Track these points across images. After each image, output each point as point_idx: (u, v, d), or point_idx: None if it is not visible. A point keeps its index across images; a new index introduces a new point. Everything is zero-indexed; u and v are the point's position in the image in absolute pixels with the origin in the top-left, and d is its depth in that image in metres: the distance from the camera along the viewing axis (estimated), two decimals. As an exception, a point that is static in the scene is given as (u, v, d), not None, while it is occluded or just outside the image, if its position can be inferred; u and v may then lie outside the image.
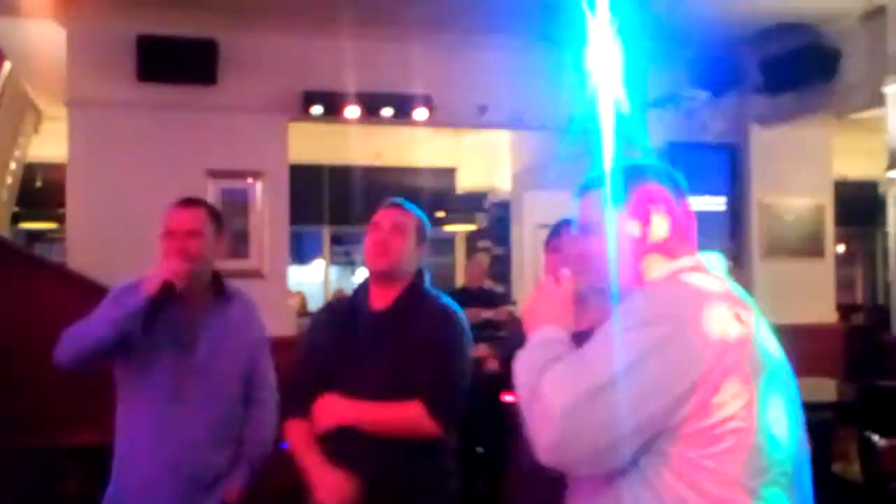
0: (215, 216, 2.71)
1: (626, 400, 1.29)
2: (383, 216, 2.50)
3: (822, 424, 4.31)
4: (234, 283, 2.82)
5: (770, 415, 1.33)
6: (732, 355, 1.30)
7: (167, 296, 2.45)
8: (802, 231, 6.84)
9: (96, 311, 2.55)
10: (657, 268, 1.50)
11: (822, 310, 6.85)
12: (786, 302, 6.45)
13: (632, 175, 1.57)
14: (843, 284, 9.42)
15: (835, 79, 5.85)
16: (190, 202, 2.73)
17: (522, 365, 1.44)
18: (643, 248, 1.52)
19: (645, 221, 1.53)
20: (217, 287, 2.71)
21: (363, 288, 2.57)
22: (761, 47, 6.20)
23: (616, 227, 1.54)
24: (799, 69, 5.88)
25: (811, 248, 6.85)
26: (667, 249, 1.52)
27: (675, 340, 1.30)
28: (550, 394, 1.33)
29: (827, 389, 5.26)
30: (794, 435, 1.39)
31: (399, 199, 2.61)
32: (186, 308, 2.59)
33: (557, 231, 2.58)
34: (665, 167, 1.61)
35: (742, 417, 1.30)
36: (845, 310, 8.13)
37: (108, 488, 2.63)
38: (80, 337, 2.49)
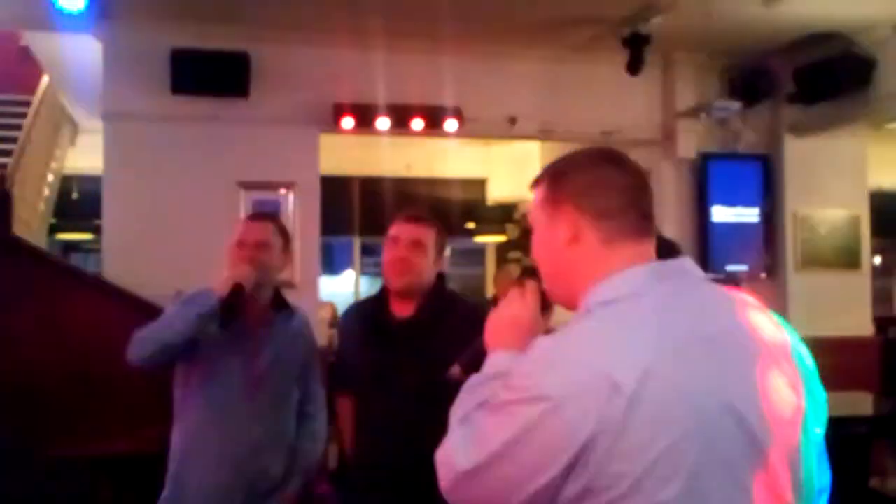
0: (283, 231, 2.80)
1: (504, 482, 1.22)
2: (401, 231, 2.50)
3: (858, 439, 4.25)
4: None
5: (675, 487, 1.14)
6: (611, 438, 1.14)
7: (237, 298, 2.51)
8: (838, 242, 6.74)
9: (168, 313, 2.61)
10: (586, 283, 1.32)
11: (858, 322, 6.74)
12: (821, 315, 6.37)
13: (564, 169, 1.42)
14: (880, 297, 9.26)
15: (870, 88, 5.77)
16: (261, 216, 2.93)
17: (463, 395, 1.39)
18: (567, 252, 1.36)
19: (568, 226, 1.36)
20: (279, 300, 2.77)
21: (381, 298, 2.58)
22: (795, 56, 6.14)
23: (543, 228, 1.41)
24: (833, 78, 5.81)
25: (847, 259, 6.75)
26: (593, 256, 1.34)
27: (548, 418, 1.17)
28: (443, 462, 1.30)
29: (863, 403, 5.17)
30: None
31: (415, 211, 2.61)
32: (251, 318, 2.64)
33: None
34: (612, 161, 1.41)
35: (637, 495, 1.14)
36: (882, 322, 7.98)
37: (164, 494, 2.66)
38: (154, 336, 2.54)
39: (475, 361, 1.49)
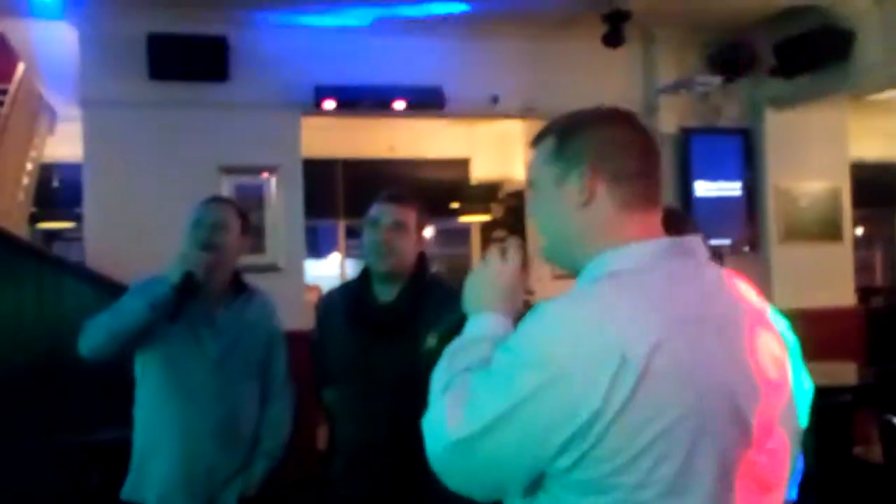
0: (241, 214, 2.78)
1: (497, 453, 1.17)
2: (382, 212, 2.48)
3: (842, 408, 4.30)
4: (252, 279, 2.86)
5: (670, 466, 1.12)
6: (616, 410, 1.11)
7: (189, 286, 2.49)
8: (819, 214, 6.79)
9: (119, 303, 2.58)
10: (595, 247, 1.27)
11: (841, 293, 6.80)
12: (804, 286, 6.43)
13: (577, 126, 1.33)
14: (863, 267, 9.35)
15: (849, 60, 5.79)
16: (218, 198, 2.91)
17: (445, 361, 1.32)
18: (578, 214, 1.29)
19: (585, 186, 1.28)
20: (236, 283, 2.75)
21: (363, 281, 2.57)
22: (774, 30, 6.15)
23: (550, 186, 1.32)
24: (813, 51, 5.83)
25: (829, 231, 6.80)
26: (607, 221, 1.28)
27: (550, 388, 1.13)
28: (431, 430, 1.24)
29: (847, 373, 5.23)
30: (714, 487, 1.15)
31: (395, 191, 2.59)
32: (206, 303, 2.62)
33: None
34: (626, 122, 1.33)
35: (631, 471, 1.12)
36: (865, 293, 8.08)
37: (127, 480, 2.66)
38: (104, 327, 2.53)
39: (452, 331, 1.43)
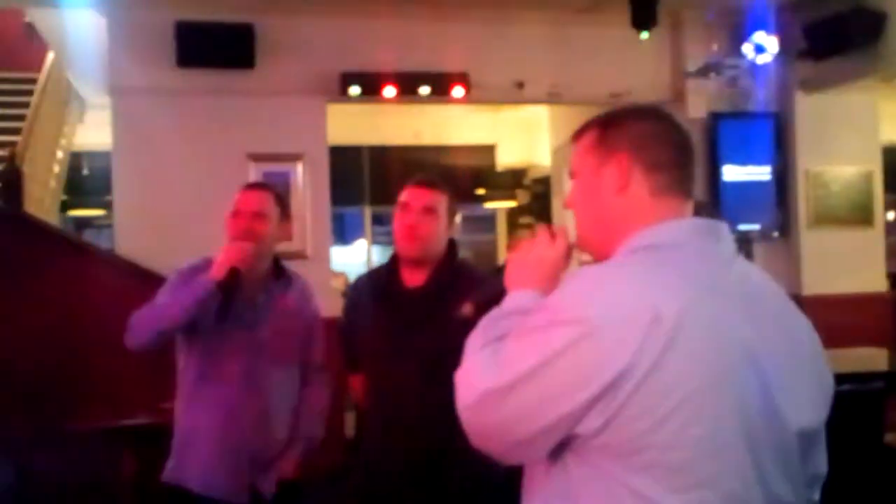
0: (281, 201, 2.78)
1: (529, 405, 1.20)
2: (412, 196, 2.48)
3: (873, 395, 4.25)
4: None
5: (698, 429, 1.16)
6: (646, 369, 1.15)
7: (234, 282, 2.51)
8: (850, 199, 6.69)
9: (164, 294, 2.62)
10: (629, 230, 1.33)
11: (872, 279, 6.71)
12: (834, 272, 6.35)
13: (618, 119, 1.42)
14: (894, 252, 9.22)
15: (880, 42, 5.69)
16: (258, 185, 2.91)
17: (482, 327, 1.39)
18: (614, 198, 1.36)
19: (619, 174, 1.36)
20: (277, 270, 2.77)
21: (392, 266, 2.58)
22: (805, 12, 6.05)
23: (590, 174, 1.41)
24: (844, 33, 5.73)
25: (860, 216, 6.70)
26: (641, 205, 1.35)
27: (583, 343, 1.17)
28: (464, 383, 1.29)
29: (878, 359, 5.17)
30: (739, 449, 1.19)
31: (426, 176, 2.59)
32: (249, 290, 2.64)
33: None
34: (663, 117, 1.43)
35: (659, 432, 1.15)
36: (896, 278, 7.96)
37: (168, 465, 2.69)
38: (151, 321, 2.55)
39: (489, 301, 1.48)
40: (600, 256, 1.40)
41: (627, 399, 1.15)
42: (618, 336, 1.16)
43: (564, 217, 7.68)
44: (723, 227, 1.36)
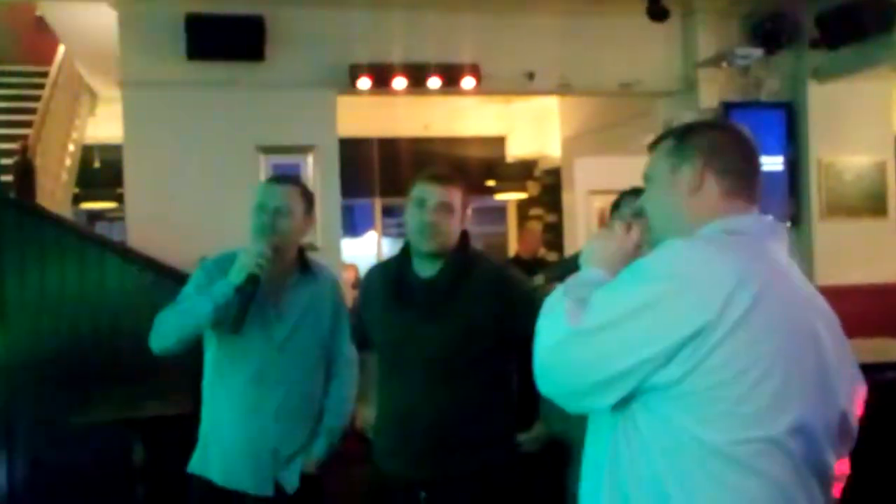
0: (306, 195, 2.73)
1: (612, 347, 1.32)
2: (428, 193, 2.45)
3: (887, 385, 4.23)
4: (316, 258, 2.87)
5: (771, 384, 1.30)
6: (736, 322, 1.29)
7: (252, 288, 2.49)
8: (863, 189, 6.65)
9: (189, 293, 2.63)
10: (700, 224, 1.49)
11: (885, 269, 6.66)
12: (847, 262, 6.32)
13: (692, 130, 1.58)
14: (907, 243, 9.15)
15: (894, 31, 5.64)
16: (282, 179, 2.82)
17: (557, 290, 1.50)
18: (687, 198, 1.52)
19: (693, 176, 1.52)
20: (302, 262, 2.76)
21: (404, 257, 2.57)
22: (818, 0, 6.01)
23: (664, 177, 1.55)
24: (856, 22, 5.69)
25: (873, 206, 6.66)
26: (712, 204, 1.50)
27: (671, 297, 1.31)
28: (545, 330, 1.41)
29: (892, 349, 5.14)
30: (803, 411, 1.34)
31: (440, 170, 2.57)
32: (272, 283, 2.62)
33: (622, 202, 2.44)
34: (734, 130, 1.60)
35: (737, 384, 1.29)
36: (909, 268, 7.90)
37: (194, 455, 2.71)
38: (174, 328, 2.56)
39: (562, 274, 1.63)
40: None
41: (711, 351, 1.27)
42: (705, 293, 1.29)
43: (574, 208, 7.67)
44: (784, 228, 1.54)
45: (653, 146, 1.62)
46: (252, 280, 2.49)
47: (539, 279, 1.83)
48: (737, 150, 1.55)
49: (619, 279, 1.41)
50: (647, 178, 1.61)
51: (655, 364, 1.30)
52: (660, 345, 1.29)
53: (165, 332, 2.56)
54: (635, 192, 1.99)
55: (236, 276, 2.50)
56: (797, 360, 1.33)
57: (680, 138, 1.57)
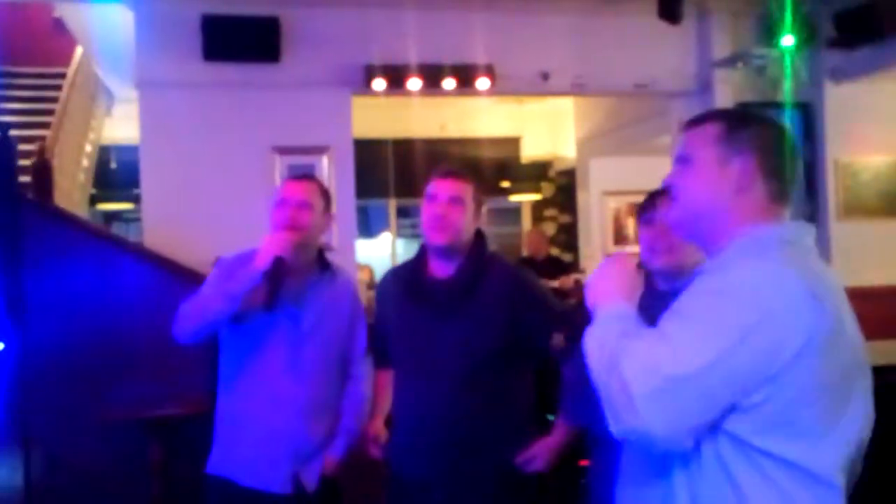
0: (324, 192, 2.77)
1: (716, 388, 1.27)
2: (439, 187, 2.48)
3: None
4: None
5: (848, 406, 1.34)
6: (816, 347, 1.28)
7: (279, 271, 2.51)
8: (881, 190, 6.61)
9: (209, 285, 2.62)
10: (743, 227, 1.42)
11: (903, 270, 6.63)
12: (864, 263, 6.27)
13: (747, 120, 1.50)
14: (925, 244, 9.07)
15: (913, 30, 5.60)
16: (303, 176, 2.89)
17: (596, 341, 1.40)
18: (732, 196, 1.44)
19: (743, 175, 1.44)
20: (321, 262, 2.78)
21: (420, 258, 2.58)
22: (835, 0, 5.97)
23: (709, 165, 1.46)
24: (874, 22, 5.65)
25: (890, 206, 6.62)
26: (757, 207, 1.44)
27: (762, 329, 1.27)
28: (632, 378, 1.28)
29: (909, 352, 5.10)
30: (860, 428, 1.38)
31: (452, 167, 2.60)
32: (293, 280, 2.63)
33: (652, 203, 2.30)
34: (786, 130, 1.52)
35: (818, 408, 1.29)
36: (927, 270, 7.83)
37: (211, 456, 2.71)
38: (198, 313, 2.56)
39: (575, 329, 1.57)
40: (698, 241, 1.50)
41: (797, 377, 1.27)
42: (791, 318, 1.27)
43: (589, 209, 7.65)
44: (813, 230, 1.49)
45: (694, 124, 1.52)
46: (278, 263, 2.50)
47: (558, 339, 1.76)
48: (785, 151, 1.47)
49: (699, 309, 1.33)
50: (683, 158, 1.50)
51: (746, 395, 1.28)
52: (760, 376, 1.27)
53: (189, 320, 2.57)
54: (663, 193, 1.90)
55: (262, 260, 2.51)
56: (854, 372, 1.36)
57: (733, 125, 1.47)
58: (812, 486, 1.30)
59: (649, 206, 2.29)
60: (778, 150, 1.46)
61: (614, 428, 1.33)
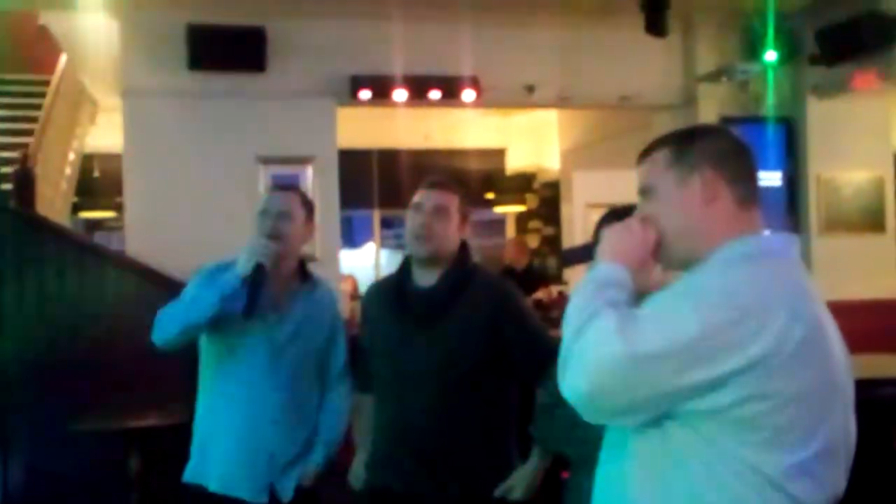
0: (306, 202, 2.79)
1: (665, 372, 1.29)
2: (425, 197, 2.49)
3: (885, 401, 4.23)
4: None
5: (825, 417, 1.34)
6: (790, 353, 1.29)
7: (259, 277, 2.51)
8: (862, 205, 6.66)
9: (190, 292, 2.62)
10: (723, 237, 1.43)
11: (883, 285, 6.67)
12: (846, 278, 6.31)
13: (693, 136, 1.52)
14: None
15: (893, 46, 5.66)
16: (285, 186, 2.96)
17: (577, 301, 1.41)
18: (702, 209, 1.45)
19: (705, 187, 1.46)
20: (303, 272, 2.79)
21: (404, 268, 2.59)
22: (817, 16, 6.03)
23: (670, 189, 1.48)
24: (856, 38, 5.71)
25: (871, 221, 6.68)
26: (729, 214, 1.45)
27: (729, 327, 1.28)
28: (594, 344, 1.32)
29: (890, 365, 5.14)
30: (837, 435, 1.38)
31: (438, 178, 2.61)
32: (272, 290, 2.64)
33: (609, 218, 2.29)
34: (732, 134, 1.56)
35: (784, 413, 1.30)
36: (908, 284, 7.90)
37: (189, 464, 2.70)
38: (176, 320, 2.56)
39: (579, 261, 1.62)
40: (684, 264, 1.49)
41: (765, 381, 1.28)
42: (761, 326, 1.28)
43: (573, 221, 7.64)
44: (797, 241, 1.51)
45: (645, 155, 1.53)
46: (259, 270, 2.51)
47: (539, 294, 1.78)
48: (741, 155, 1.51)
49: (674, 300, 1.36)
50: (644, 191, 1.52)
51: (702, 390, 1.29)
52: (713, 373, 1.28)
53: (169, 324, 2.56)
54: (615, 215, 1.87)
55: (243, 266, 2.52)
56: (830, 386, 1.36)
57: (681, 146, 1.50)
58: (779, 494, 1.31)
59: (605, 222, 2.23)
60: (731, 155, 1.49)
61: (561, 385, 1.36)
